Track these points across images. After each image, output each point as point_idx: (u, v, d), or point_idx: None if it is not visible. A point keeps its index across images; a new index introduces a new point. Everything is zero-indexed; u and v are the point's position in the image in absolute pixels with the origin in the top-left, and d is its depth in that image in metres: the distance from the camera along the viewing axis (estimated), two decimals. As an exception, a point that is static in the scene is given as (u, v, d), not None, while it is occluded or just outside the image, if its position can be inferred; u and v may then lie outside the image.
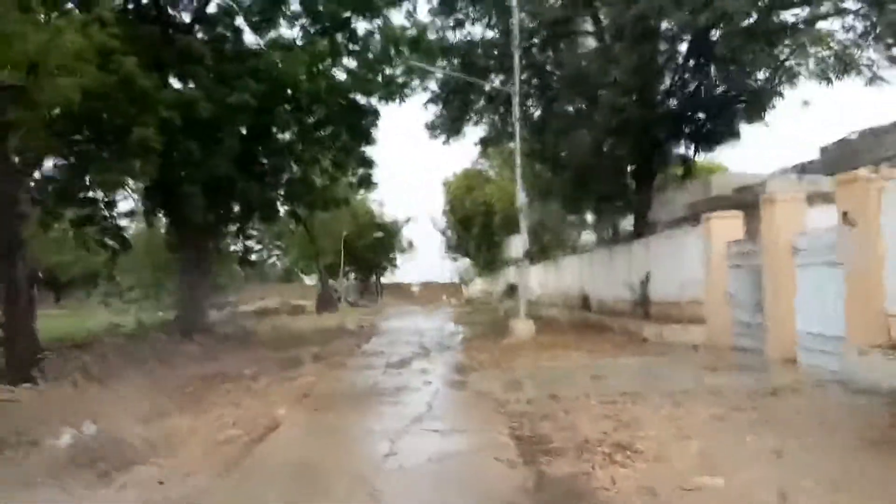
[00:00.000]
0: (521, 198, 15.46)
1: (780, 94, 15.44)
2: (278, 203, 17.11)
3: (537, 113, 20.23)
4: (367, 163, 18.17)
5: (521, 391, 7.96)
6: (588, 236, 32.99)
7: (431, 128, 21.30)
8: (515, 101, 15.54)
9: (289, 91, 14.37)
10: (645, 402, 7.06)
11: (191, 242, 15.10)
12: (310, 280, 49.81)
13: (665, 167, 18.33)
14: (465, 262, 58.33)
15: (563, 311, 21.96)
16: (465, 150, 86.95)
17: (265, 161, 15.52)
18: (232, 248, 23.53)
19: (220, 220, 15.89)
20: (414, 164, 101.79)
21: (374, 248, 47.25)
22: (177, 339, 14.52)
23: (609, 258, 19.00)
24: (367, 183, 18.51)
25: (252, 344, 15.23)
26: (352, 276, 58.26)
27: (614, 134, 16.52)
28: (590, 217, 32.98)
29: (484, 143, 23.19)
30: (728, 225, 12.46)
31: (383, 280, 61.69)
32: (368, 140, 17.56)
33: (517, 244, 14.70)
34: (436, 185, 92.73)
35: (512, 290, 34.91)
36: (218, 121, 13.07)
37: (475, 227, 43.27)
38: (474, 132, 21.80)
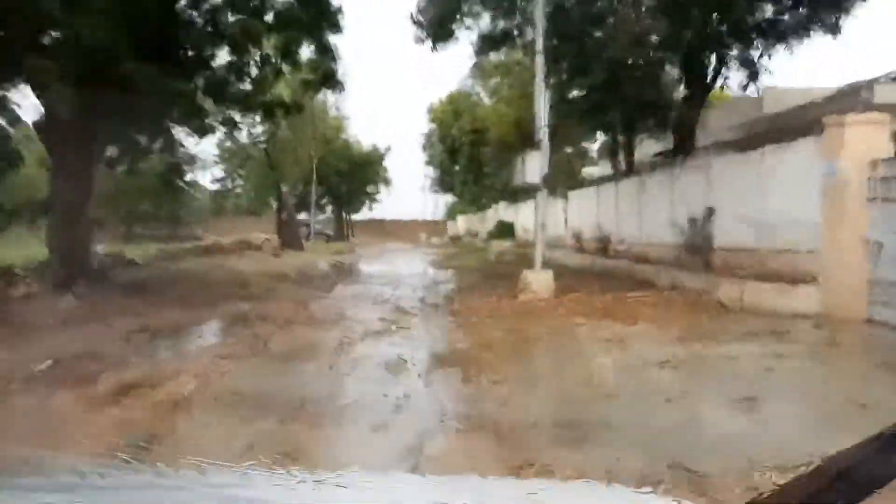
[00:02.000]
0: (542, 102, 10.77)
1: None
2: (200, 100, 12.13)
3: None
4: (328, 52, 13.20)
5: (603, 439, 3.64)
6: (593, 170, 28.59)
7: (416, 24, 16.50)
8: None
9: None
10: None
11: (66, 150, 10.31)
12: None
13: (722, 71, 13.66)
14: (449, 197, 53.89)
15: (573, 256, 17.70)
16: (454, 70, 79.74)
17: (174, 37, 10.54)
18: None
19: (108, 117, 10.95)
20: (395, 87, 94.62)
21: (349, 178, 42.17)
22: (49, 287, 10.07)
23: (641, 190, 14.60)
24: (329, 81, 13.56)
25: (161, 298, 10.72)
26: (328, 209, 53.36)
27: (671, 13, 11.84)
28: (596, 145, 28.48)
29: (485, 44, 18.27)
30: (870, 135, 8.05)
31: (360, 216, 56.92)
32: (330, 20, 12.61)
33: (530, 168, 10.14)
34: (418, 113, 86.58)
35: (503, 228, 30.56)
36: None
37: (462, 158, 38.46)
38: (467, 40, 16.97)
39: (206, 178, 52.66)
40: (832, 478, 0.69)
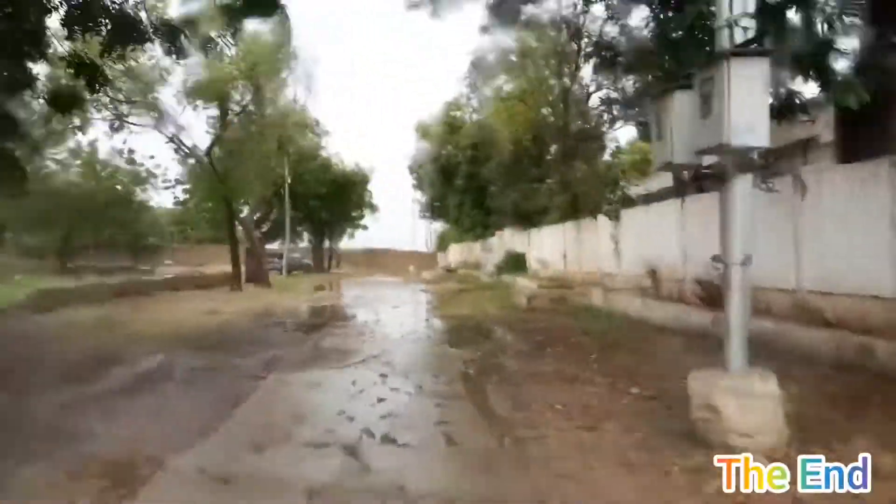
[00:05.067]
0: None
1: None
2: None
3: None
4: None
5: None
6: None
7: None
8: None
9: None
10: None
11: None
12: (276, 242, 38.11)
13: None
14: (440, 225, 47.94)
15: (652, 307, 11.39)
16: (448, 79, 75.40)
17: None
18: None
19: None
20: (381, 100, 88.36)
21: (330, 201, 35.81)
22: None
23: (792, 202, 8.46)
24: (261, 5, 7.44)
25: None
26: (305, 237, 46.89)
27: None
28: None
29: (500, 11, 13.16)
30: None
31: (343, 245, 50.44)
32: None
33: (736, 108, 3.71)
34: (406, 131, 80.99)
35: (513, 260, 24.27)
36: None
37: (458, 178, 32.33)
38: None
39: (169, 200, 45.82)
40: None
